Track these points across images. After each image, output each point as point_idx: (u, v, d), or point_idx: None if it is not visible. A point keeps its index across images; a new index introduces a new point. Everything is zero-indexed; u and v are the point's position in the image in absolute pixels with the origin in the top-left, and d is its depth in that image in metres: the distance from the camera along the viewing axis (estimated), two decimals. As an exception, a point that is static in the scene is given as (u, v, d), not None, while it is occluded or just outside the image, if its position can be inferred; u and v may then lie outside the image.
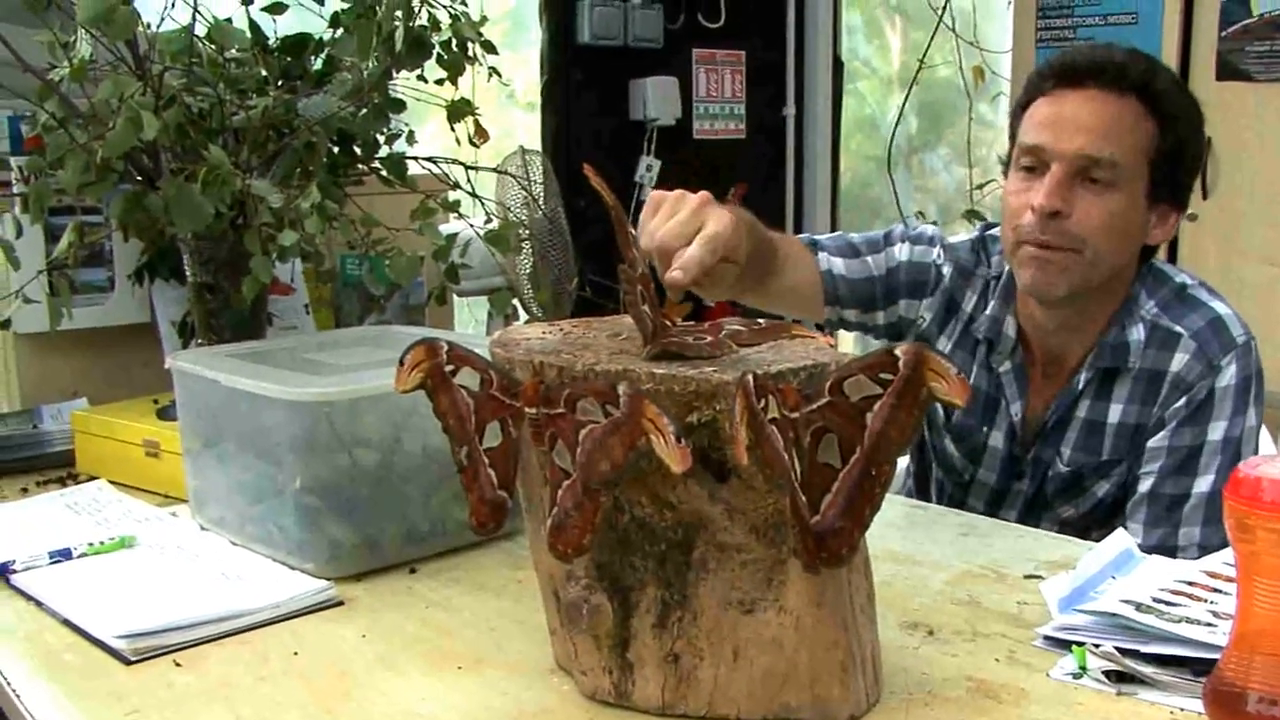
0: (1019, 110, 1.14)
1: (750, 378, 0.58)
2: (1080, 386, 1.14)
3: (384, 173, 1.24)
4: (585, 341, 0.69)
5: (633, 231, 0.67)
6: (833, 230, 3.29)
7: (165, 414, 1.17)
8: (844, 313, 1.22)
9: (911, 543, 0.98)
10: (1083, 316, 1.14)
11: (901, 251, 1.22)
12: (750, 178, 3.93)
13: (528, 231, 2.13)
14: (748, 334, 0.68)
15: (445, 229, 1.27)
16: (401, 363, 0.66)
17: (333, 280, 1.54)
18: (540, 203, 2.18)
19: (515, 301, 2.26)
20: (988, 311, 1.19)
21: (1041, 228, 1.08)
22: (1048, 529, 1.11)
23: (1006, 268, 1.18)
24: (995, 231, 1.23)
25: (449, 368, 0.66)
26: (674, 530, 0.64)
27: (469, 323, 2.60)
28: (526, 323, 1.61)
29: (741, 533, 0.63)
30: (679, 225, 0.84)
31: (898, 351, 0.59)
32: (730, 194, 0.81)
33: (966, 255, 1.23)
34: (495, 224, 1.33)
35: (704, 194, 0.88)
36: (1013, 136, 1.15)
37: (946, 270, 1.22)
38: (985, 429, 1.20)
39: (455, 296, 2.16)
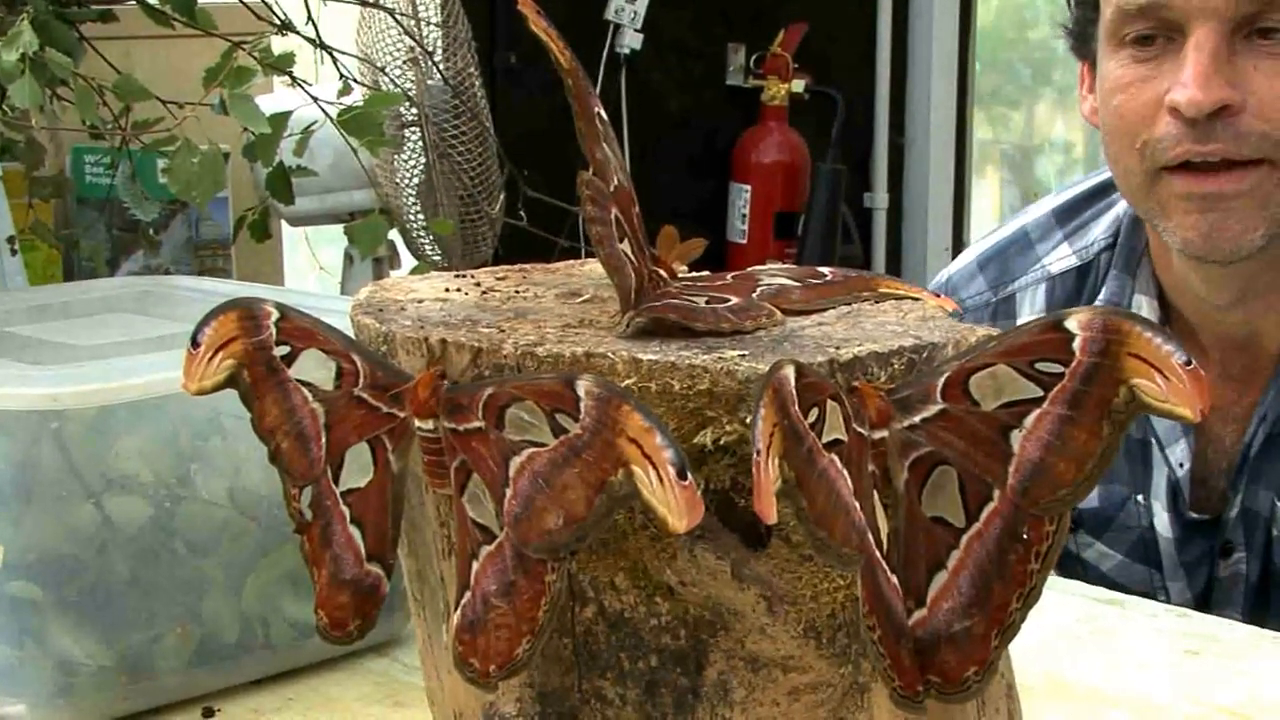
0: None
1: (789, 370, 0.59)
2: None
3: (155, 1, 1.26)
4: (520, 305, 0.72)
5: (600, 113, 0.69)
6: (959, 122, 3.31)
7: None
8: None
9: (1098, 665, 1.00)
10: None
11: None
12: (815, 13, 3.88)
13: (415, 112, 2.15)
14: (802, 292, 0.70)
15: (266, 104, 1.29)
16: (195, 342, 0.68)
17: (62, 195, 1.55)
18: (438, 59, 2.20)
19: (394, 235, 2.28)
20: (1102, 295, 1.24)
21: (1200, 135, 1.12)
22: None
23: (1123, 224, 1.25)
24: (1073, 193, 1.29)
25: (280, 350, 0.68)
26: (673, 633, 0.66)
27: (310, 271, 2.61)
28: (415, 271, 1.63)
29: (790, 638, 0.65)
30: None
31: (1070, 323, 0.60)
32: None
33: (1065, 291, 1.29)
34: (358, 97, 1.35)
35: None
36: None
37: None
38: (1139, 498, 1.24)
39: (286, 225, 2.17)
